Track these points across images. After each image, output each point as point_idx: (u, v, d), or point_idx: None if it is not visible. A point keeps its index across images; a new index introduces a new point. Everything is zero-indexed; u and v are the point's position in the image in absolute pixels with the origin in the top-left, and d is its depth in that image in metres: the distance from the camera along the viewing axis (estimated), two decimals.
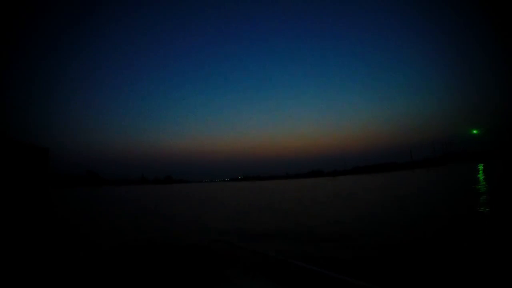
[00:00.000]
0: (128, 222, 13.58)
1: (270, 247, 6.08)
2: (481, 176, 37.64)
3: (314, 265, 2.12)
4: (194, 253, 3.57)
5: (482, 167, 69.44)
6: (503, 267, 4.44)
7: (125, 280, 2.79)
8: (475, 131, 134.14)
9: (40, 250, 6.24)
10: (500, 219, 9.31)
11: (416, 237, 7.42)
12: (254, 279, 2.43)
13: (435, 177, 50.81)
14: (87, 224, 13.00)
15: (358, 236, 8.14)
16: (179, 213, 17.84)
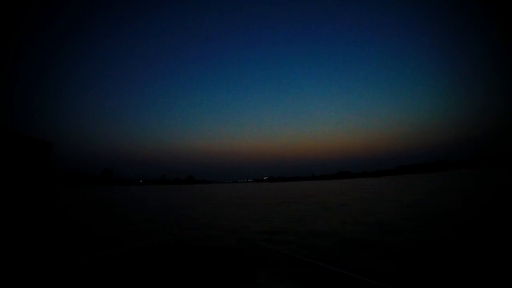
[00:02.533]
0: (153, 222, 13.23)
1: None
2: None
3: (343, 268, 2.14)
4: (223, 255, 3.34)
5: None
6: None
7: (156, 280, 2.59)
8: None
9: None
10: None
11: None
12: (282, 281, 2.49)
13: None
14: (108, 224, 12.51)
15: None
16: (205, 213, 17.25)
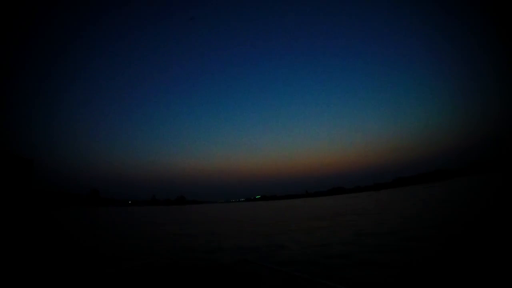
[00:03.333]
0: (141, 242, 13.03)
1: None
2: None
3: (343, 284, 2.31)
4: (217, 274, 3.28)
5: None
6: None
7: None
8: None
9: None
10: None
11: None
12: None
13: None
14: (98, 244, 12.18)
15: None
16: (196, 233, 16.17)
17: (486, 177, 71.63)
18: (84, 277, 2.47)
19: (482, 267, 5.17)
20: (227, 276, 3.22)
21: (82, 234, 17.39)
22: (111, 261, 7.38)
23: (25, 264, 7.45)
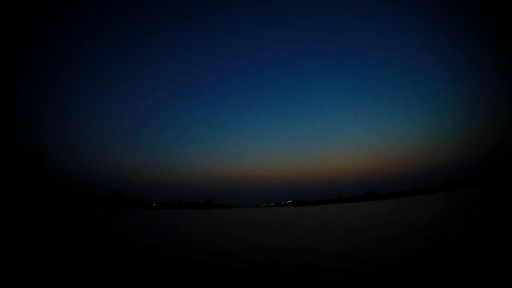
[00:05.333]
0: (171, 244, 12.99)
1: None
2: None
3: None
4: (249, 277, 3.25)
5: None
6: None
7: None
8: None
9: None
10: None
11: None
12: None
13: None
14: (129, 246, 11.97)
15: None
16: (228, 236, 16.07)
17: None
18: (112, 278, 2.27)
19: None
20: (257, 279, 3.11)
21: (93, 233, 17.50)
22: (143, 262, 7.95)
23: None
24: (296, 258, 8.93)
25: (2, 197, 53.05)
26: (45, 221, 26.71)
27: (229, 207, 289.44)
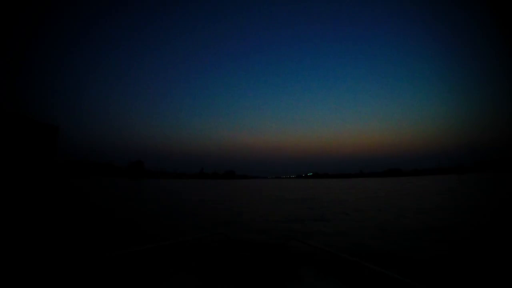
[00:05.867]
0: (193, 215, 13.46)
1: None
2: None
3: (388, 269, 2.10)
4: (269, 251, 3.44)
5: None
6: None
7: (203, 273, 2.69)
8: None
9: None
10: None
11: None
12: (325, 280, 2.56)
13: None
14: (149, 217, 12.59)
15: None
16: (249, 209, 16.29)
17: None
18: (135, 250, 2.28)
19: None
20: (276, 253, 3.26)
21: (108, 204, 17.93)
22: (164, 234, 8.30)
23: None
24: None
25: (21, 171, 53.91)
26: (61, 193, 27.10)
27: (250, 178, 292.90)
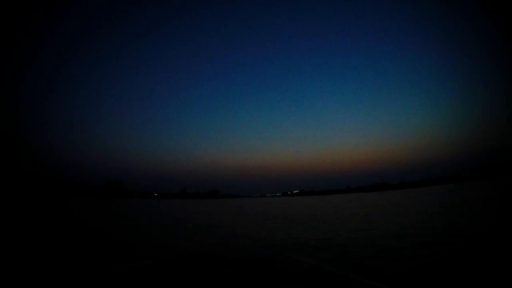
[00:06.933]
0: (176, 234, 12.99)
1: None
2: None
3: (377, 281, 2.15)
4: (255, 266, 3.29)
5: None
6: None
7: None
8: None
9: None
10: None
11: None
12: None
13: None
14: (130, 237, 12.08)
15: None
16: (232, 226, 16.32)
17: None
18: (114, 271, 2.15)
19: None
20: (263, 268, 3.10)
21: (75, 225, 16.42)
22: (146, 253, 7.61)
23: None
24: None
25: None
26: (23, 208, 26.06)
27: (234, 197, 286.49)
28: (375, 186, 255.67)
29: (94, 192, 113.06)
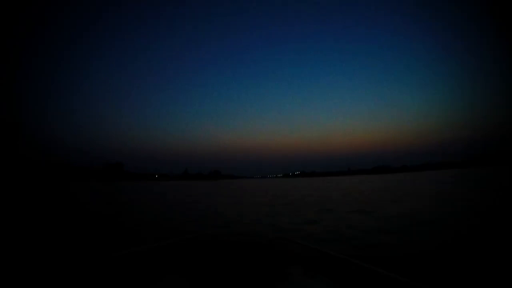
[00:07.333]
0: (176, 216, 12.69)
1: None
2: None
3: (376, 265, 1.77)
4: (256, 250, 2.66)
5: None
6: None
7: (190, 274, 1.97)
8: None
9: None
10: None
11: None
12: (314, 278, 2.12)
13: None
14: (131, 219, 11.72)
15: None
16: (233, 208, 15.44)
17: None
18: (119, 254, 1.86)
19: None
20: (264, 253, 2.53)
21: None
22: (149, 235, 7.90)
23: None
24: None
25: None
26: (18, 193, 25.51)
27: (235, 178, 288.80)
28: (377, 169, 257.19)
29: (93, 175, 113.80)
